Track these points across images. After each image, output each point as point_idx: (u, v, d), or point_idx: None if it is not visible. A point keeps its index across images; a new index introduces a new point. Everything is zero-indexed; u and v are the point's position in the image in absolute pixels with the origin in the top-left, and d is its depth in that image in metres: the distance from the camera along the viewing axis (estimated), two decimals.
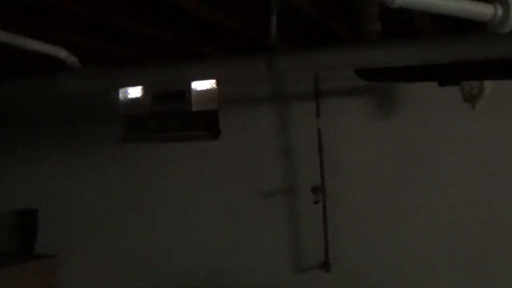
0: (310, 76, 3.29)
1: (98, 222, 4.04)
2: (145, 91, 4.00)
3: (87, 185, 4.11)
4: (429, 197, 3.18)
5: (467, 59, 1.91)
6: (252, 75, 2.85)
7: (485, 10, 1.44)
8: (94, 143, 4.05)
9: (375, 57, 2.01)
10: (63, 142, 4.15)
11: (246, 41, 2.15)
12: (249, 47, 2.15)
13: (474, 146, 3.12)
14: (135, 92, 4.04)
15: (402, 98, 3.27)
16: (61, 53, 2.16)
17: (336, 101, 3.39)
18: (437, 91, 2.71)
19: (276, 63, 2.08)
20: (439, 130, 3.20)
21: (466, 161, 3.13)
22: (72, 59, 2.21)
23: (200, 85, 3.83)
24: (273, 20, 1.84)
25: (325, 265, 3.28)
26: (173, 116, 3.92)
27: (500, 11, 1.43)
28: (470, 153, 3.12)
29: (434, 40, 1.93)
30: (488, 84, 2.70)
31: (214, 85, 3.79)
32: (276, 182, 3.52)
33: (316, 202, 3.15)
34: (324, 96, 3.35)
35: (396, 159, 3.26)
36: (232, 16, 1.86)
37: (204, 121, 3.80)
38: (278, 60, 2.08)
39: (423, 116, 3.22)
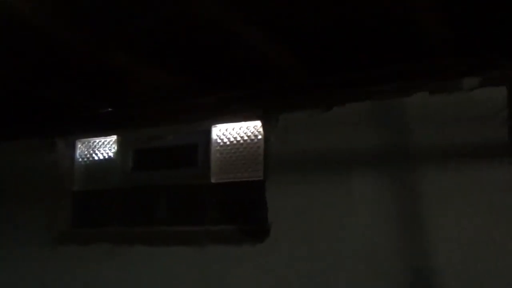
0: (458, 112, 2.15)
1: None
2: (122, 145, 2.75)
3: None
4: None
5: None
6: None
7: None
8: (15, 241, 2.88)
9: None
10: None
11: None
12: None
13: None
14: (104, 147, 2.88)
15: None
16: None
17: None
18: None
19: None
20: None
21: None
22: None
23: (229, 131, 2.50)
24: None
25: None
26: (170, 192, 2.63)
27: None
28: None
29: None
30: None
31: (258, 131, 2.43)
32: None
33: None
34: None
35: None
36: None
37: (234, 204, 2.51)
38: None
39: None
